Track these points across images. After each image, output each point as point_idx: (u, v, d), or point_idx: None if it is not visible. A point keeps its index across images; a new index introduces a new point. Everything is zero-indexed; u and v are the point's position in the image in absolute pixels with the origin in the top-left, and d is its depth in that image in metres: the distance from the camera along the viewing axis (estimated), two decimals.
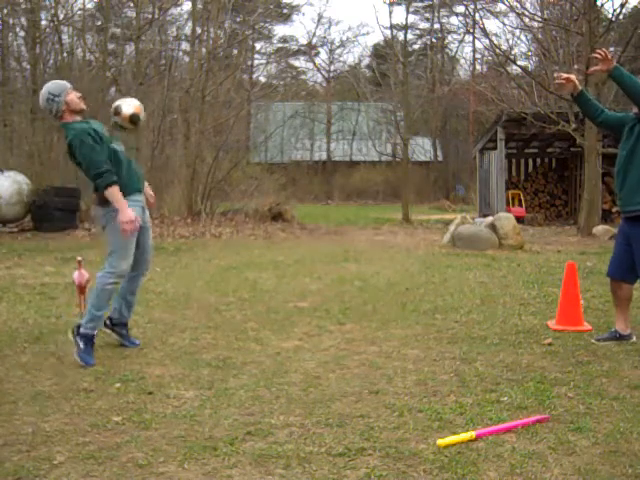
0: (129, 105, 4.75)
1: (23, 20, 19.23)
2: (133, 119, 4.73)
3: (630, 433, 3.20)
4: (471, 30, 25.97)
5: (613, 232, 14.14)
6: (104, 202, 4.52)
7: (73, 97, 4.59)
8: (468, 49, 51.70)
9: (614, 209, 18.90)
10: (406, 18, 25.61)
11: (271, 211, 17.36)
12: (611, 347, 4.79)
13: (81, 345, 4.49)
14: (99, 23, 20.26)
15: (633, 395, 3.75)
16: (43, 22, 18.35)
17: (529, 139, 21.10)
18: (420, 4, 41.15)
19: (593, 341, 4.96)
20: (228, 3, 19.07)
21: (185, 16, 24.60)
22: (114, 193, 4.45)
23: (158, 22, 18.89)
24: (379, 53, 36.03)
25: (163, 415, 3.51)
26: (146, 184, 4.95)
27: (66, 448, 3.08)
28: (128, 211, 4.45)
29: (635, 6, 25.60)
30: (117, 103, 4.77)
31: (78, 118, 4.63)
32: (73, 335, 4.56)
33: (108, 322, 4.91)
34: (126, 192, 4.55)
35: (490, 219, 12.43)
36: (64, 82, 4.68)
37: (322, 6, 66.14)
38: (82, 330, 4.51)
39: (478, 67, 38.21)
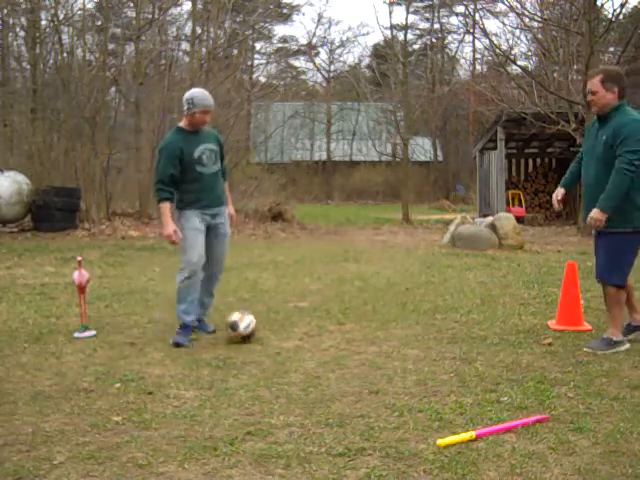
0: (247, 326, 5.08)
1: (23, 20, 19.20)
2: (246, 339, 5.10)
3: (630, 433, 3.20)
4: (471, 30, 26.00)
5: None
6: (177, 207, 5.19)
7: (200, 117, 5.09)
8: (468, 49, 51.69)
9: None
10: (406, 18, 25.65)
11: (271, 211, 17.36)
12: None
13: (177, 330, 5.11)
14: (99, 23, 20.24)
15: (633, 395, 3.74)
16: (43, 22, 18.32)
17: (529, 139, 21.09)
18: (420, 4, 41.17)
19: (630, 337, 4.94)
20: (228, 3, 19.06)
21: (185, 16, 24.57)
22: (162, 209, 5.10)
23: (158, 22, 18.87)
24: (379, 53, 35.99)
25: (163, 415, 3.51)
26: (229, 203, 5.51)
27: (66, 448, 3.09)
28: (168, 227, 5.04)
29: (635, 6, 25.61)
30: (234, 319, 5.08)
31: (188, 128, 5.16)
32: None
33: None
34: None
35: (490, 219, 12.43)
36: (208, 102, 5.12)
37: (322, 6, 66.25)
38: (178, 319, 5.17)
39: (478, 67, 38.25)
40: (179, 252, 5.26)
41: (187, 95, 5.14)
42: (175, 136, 5.18)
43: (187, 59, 20.84)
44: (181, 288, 5.16)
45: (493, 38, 20.60)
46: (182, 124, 5.24)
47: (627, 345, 4.73)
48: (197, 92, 5.21)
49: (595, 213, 4.57)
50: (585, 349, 4.71)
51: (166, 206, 5.07)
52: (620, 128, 4.48)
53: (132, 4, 19.41)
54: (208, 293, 5.46)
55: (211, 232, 5.24)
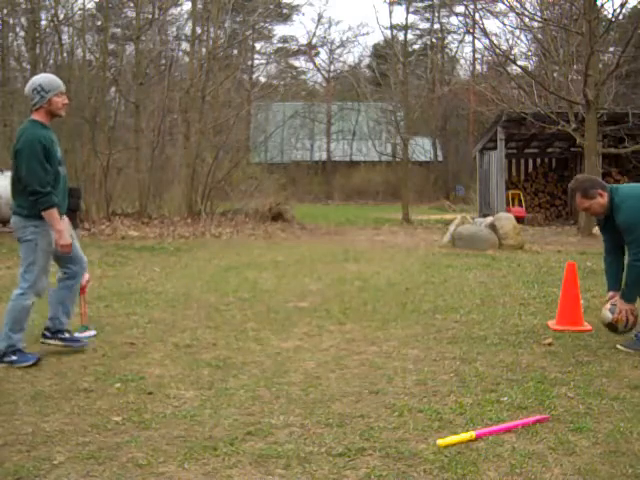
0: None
1: (23, 20, 19.25)
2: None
3: (630, 433, 3.20)
4: (471, 30, 25.94)
5: None
6: (30, 216, 4.43)
7: (59, 100, 4.52)
8: (468, 49, 51.60)
9: None
10: (406, 18, 25.73)
11: (271, 211, 17.37)
12: (611, 347, 4.79)
13: (14, 358, 4.38)
14: (99, 23, 20.26)
15: (633, 395, 3.74)
16: (43, 22, 18.37)
17: (529, 139, 21.08)
18: (420, 4, 41.19)
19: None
20: (228, 3, 19.06)
21: (185, 16, 24.59)
22: (53, 215, 4.39)
23: (158, 22, 18.90)
24: (379, 53, 35.96)
25: (163, 415, 3.51)
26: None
27: (66, 448, 3.08)
28: (66, 234, 4.43)
29: (635, 6, 25.56)
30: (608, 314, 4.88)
31: (46, 122, 4.53)
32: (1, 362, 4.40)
33: (47, 333, 4.74)
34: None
35: (490, 219, 12.44)
36: (60, 82, 4.59)
37: (322, 6, 66.21)
38: (6, 355, 4.40)
39: (478, 67, 38.24)
40: (25, 269, 4.68)
41: (31, 85, 4.47)
42: (41, 131, 4.43)
43: (187, 59, 20.85)
44: (24, 313, 4.48)
45: (493, 38, 20.63)
46: (37, 118, 4.48)
47: None
48: (41, 77, 4.59)
49: (621, 304, 4.70)
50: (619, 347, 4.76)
51: (55, 211, 4.39)
52: (623, 220, 4.62)
53: (132, 4, 19.43)
54: (73, 297, 4.85)
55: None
